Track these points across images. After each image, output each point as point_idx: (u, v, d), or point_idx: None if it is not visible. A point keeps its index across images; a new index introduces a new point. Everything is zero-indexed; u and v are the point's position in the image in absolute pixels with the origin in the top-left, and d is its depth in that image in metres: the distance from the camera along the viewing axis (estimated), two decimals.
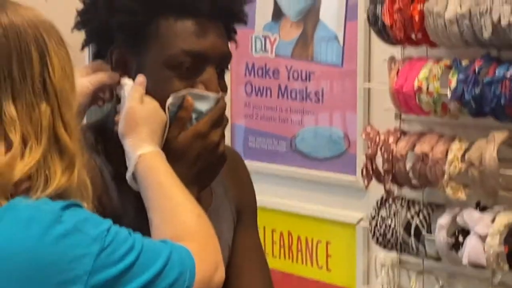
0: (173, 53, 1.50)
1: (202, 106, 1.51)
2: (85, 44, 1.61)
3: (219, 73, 1.55)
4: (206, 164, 1.51)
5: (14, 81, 1.24)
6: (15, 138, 1.23)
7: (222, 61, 1.55)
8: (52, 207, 1.22)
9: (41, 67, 1.26)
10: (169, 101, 1.49)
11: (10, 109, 1.23)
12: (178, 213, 1.41)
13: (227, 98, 3.46)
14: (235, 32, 1.64)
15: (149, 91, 1.50)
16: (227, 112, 3.65)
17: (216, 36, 1.53)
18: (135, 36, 1.52)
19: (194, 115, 1.50)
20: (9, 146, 1.23)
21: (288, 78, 3.31)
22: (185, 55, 1.50)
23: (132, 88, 1.50)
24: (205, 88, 1.51)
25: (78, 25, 1.59)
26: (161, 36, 1.51)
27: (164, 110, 1.49)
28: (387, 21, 2.66)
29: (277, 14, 3.32)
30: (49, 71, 1.26)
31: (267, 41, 3.36)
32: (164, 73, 1.50)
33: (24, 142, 1.23)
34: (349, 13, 3.10)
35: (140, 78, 1.50)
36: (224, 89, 1.56)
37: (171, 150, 1.49)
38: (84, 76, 1.53)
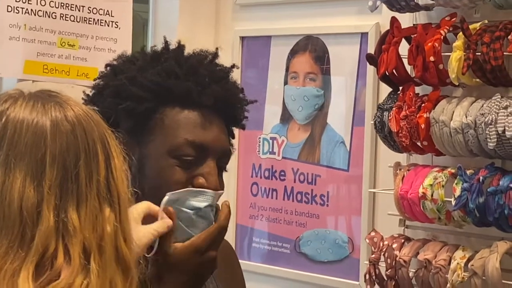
0: (177, 143, 1.52)
1: (200, 203, 1.52)
2: None
3: (218, 170, 1.57)
4: (198, 276, 1.51)
5: (80, 184, 1.10)
6: (75, 250, 1.08)
7: (222, 157, 1.56)
8: None
9: (106, 169, 1.13)
10: (165, 198, 1.50)
11: (74, 217, 1.09)
12: None
13: (232, 199, 3.51)
14: (233, 137, 1.66)
15: (152, 178, 1.52)
16: (232, 212, 3.66)
17: (219, 130, 1.56)
18: (141, 124, 1.54)
19: (192, 212, 1.51)
20: (68, 259, 1.08)
21: (294, 180, 3.34)
22: (188, 145, 1.52)
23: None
24: (205, 180, 1.52)
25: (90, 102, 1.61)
26: (166, 125, 1.53)
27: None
28: (394, 128, 2.70)
29: (286, 116, 3.37)
30: (112, 173, 1.14)
31: (275, 143, 3.40)
32: (167, 161, 1.52)
33: (85, 253, 1.09)
34: (356, 118, 3.15)
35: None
36: (222, 186, 1.57)
37: (169, 262, 1.48)
38: (138, 221, 1.45)
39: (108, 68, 1.62)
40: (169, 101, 1.54)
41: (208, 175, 1.52)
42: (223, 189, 1.57)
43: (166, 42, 1.63)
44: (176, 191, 1.50)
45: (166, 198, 1.49)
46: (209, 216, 1.52)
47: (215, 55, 1.63)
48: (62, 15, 2.21)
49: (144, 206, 1.46)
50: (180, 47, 1.63)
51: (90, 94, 1.62)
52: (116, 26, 2.32)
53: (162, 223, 1.45)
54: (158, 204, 1.49)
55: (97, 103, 1.58)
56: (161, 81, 1.53)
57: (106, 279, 1.08)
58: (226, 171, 1.60)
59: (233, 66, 1.65)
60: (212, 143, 1.53)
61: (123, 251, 1.12)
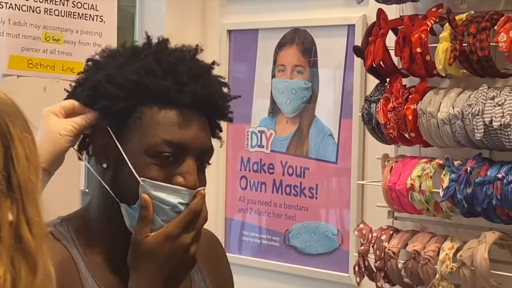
0: (154, 142, 1.51)
1: (176, 199, 1.51)
2: None
3: (199, 167, 1.56)
4: (176, 266, 1.51)
5: None
6: None
7: (202, 154, 1.55)
8: None
9: (5, 160, 1.09)
10: (141, 185, 1.50)
11: None
12: None
13: (221, 192, 3.51)
14: (220, 130, 1.65)
15: (129, 175, 1.51)
16: (222, 206, 3.66)
17: (199, 129, 1.55)
18: (119, 122, 1.53)
19: (168, 207, 1.51)
20: None
21: (283, 173, 3.34)
22: (165, 144, 1.51)
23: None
24: (183, 179, 1.52)
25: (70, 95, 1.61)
26: (143, 124, 1.52)
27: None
28: (381, 120, 2.70)
29: (274, 109, 3.37)
30: (14, 163, 1.10)
31: (263, 136, 3.40)
32: (144, 160, 1.51)
33: None
34: (344, 110, 3.15)
35: None
36: (203, 183, 1.56)
37: (141, 250, 1.50)
38: (61, 117, 1.52)
39: (90, 62, 1.61)
40: (147, 100, 1.53)
41: (186, 174, 1.51)
42: (204, 186, 1.56)
43: (148, 37, 1.61)
44: (154, 182, 1.50)
45: (141, 184, 1.49)
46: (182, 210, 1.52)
47: (196, 51, 1.62)
48: (46, 10, 2.20)
49: (69, 102, 1.53)
50: (161, 43, 1.61)
51: (71, 87, 1.61)
52: (101, 20, 2.31)
53: (83, 117, 1.51)
54: (135, 202, 1.50)
55: (78, 97, 1.58)
56: (138, 80, 1.52)
57: (5, 269, 1.07)
58: (209, 164, 1.59)
59: (213, 63, 1.64)
60: (191, 141, 1.52)
61: (26, 240, 1.10)
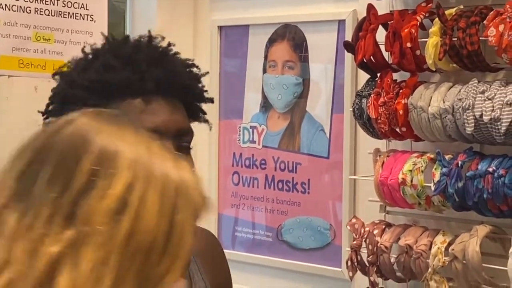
0: None
1: None
2: None
3: (179, 148, 1.55)
4: None
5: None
6: None
7: (180, 135, 1.54)
8: None
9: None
10: None
11: None
12: None
13: (214, 188, 3.51)
14: (203, 112, 1.65)
15: None
16: (214, 202, 3.65)
17: (169, 113, 1.54)
18: None
19: None
20: None
21: (275, 168, 3.34)
22: None
23: None
24: None
25: (44, 115, 1.61)
26: None
27: None
28: (372, 115, 2.71)
29: (265, 105, 3.38)
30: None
31: (255, 131, 3.41)
32: None
33: None
34: (336, 105, 3.16)
35: None
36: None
37: None
38: None
39: (56, 76, 1.61)
40: (112, 96, 1.53)
41: None
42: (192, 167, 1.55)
43: (106, 38, 1.62)
44: None
45: None
46: None
47: (151, 37, 1.62)
48: (36, 9, 2.20)
49: None
50: (117, 39, 1.62)
51: (45, 107, 1.61)
52: (91, 19, 2.31)
53: None
54: None
55: (51, 113, 1.58)
56: (100, 78, 1.53)
57: None
58: (190, 148, 1.58)
59: (169, 44, 1.62)
60: (161, 126, 1.52)
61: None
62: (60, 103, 1.55)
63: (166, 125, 1.53)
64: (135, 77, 1.53)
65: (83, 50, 1.63)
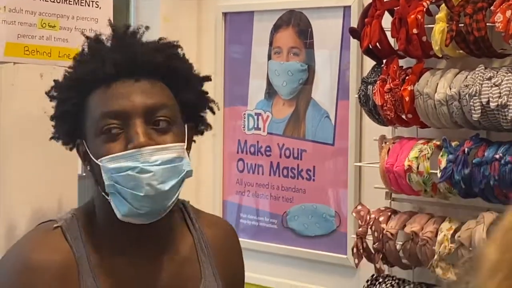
0: (97, 120, 1.54)
1: (132, 163, 1.51)
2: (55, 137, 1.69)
3: (155, 125, 1.55)
4: None
5: None
6: None
7: (151, 113, 1.55)
8: None
9: None
10: (104, 170, 1.54)
11: None
12: None
13: (219, 175, 3.50)
14: (195, 90, 1.66)
15: (96, 165, 1.54)
16: (219, 189, 3.64)
17: (138, 92, 1.55)
18: (76, 122, 1.59)
19: (130, 171, 1.51)
20: None
21: (280, 155, 3.34)
22: (105, 117, 1.53)
23: None
24: (132, 142, 1.51)
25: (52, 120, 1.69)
26: (89, 112, 1.57)
27: None
28: (378, 101, 2.70)
29: (270, 92, 3.37)
30: None
31: (260, 118, 3.40)
32: (97, 140, 1.54)
33: None
34: (341, 92, 3.15)
35: None
36: (173, 140, 1.55)
37: None
38: None
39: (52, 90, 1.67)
40: (86, 90, 1.58)
41: (133, 136, 1.52)
42: (176, 142, 1.55)
43: (86, 38, 1.65)
44: (108, 156, 1.52)
45: (101, 165, 1.52)
46: (152, 169, 1.52)
47: (110, 23, 1.69)
48: None
49: None
50: (90, 36, 1.66)
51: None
52: (96, 6, 2.29)
53: None
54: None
55: (57, 131, 1.66)
56: (73, 75, 1.60)
57: None
58: (168, 119, 1.57)
59: (127, 26, 1.65)
60: (129, 106, 1.54)
61: None
62: (56, 110, 1.63)
63: (133, 104, 1.54)
64: (98, 66, 1.57)
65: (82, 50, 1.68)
